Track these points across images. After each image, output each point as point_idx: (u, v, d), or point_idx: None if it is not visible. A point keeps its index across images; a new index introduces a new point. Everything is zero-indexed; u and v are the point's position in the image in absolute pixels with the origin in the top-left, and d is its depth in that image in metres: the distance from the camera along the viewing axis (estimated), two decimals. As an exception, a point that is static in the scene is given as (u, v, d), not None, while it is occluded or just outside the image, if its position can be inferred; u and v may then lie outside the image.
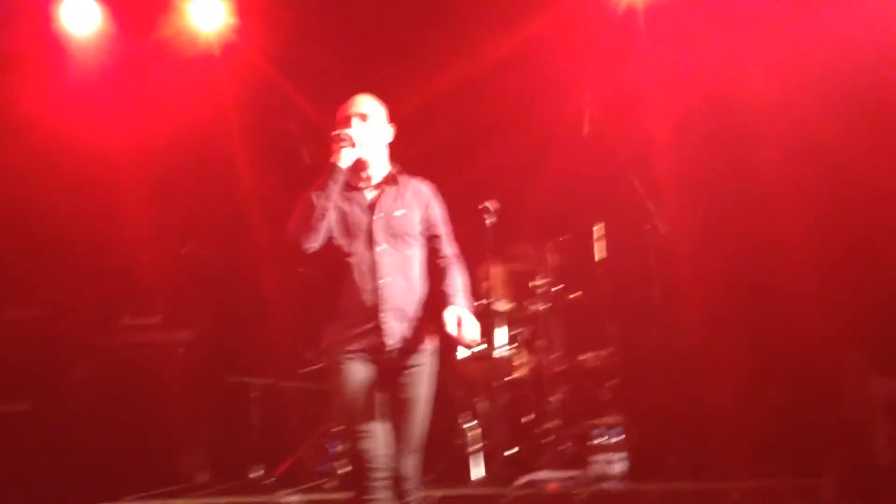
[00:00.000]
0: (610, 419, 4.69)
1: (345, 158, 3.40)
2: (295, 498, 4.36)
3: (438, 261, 3.55)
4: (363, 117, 3.53)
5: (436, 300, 3.47)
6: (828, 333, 4.88)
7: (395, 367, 3.39)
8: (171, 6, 5.51)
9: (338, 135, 3.43)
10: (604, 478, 4.40)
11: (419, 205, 3.57)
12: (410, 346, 3.42)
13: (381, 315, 3.38)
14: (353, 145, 3.42)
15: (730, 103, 5.43)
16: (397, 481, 3.30)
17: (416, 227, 3.53)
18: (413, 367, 3.40)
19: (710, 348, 5.13)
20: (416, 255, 3.52)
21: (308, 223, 3.36)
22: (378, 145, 3.55)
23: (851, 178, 5.02)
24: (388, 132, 3.60)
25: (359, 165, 3.50)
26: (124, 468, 5.00)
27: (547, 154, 5.59)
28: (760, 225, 5.39)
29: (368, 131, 3.51)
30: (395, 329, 3.38)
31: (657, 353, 5.13)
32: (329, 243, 3.42)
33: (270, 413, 5.42)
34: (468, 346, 3.72)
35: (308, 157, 5.93)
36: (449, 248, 3.60)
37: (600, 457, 4.43)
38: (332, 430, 4.95)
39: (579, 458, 4.66)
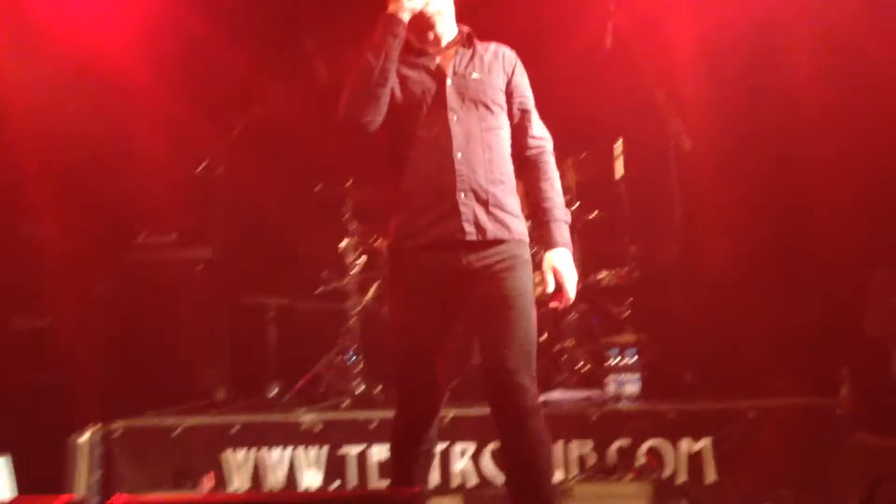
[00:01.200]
0: (626, 338, 4.65)
1: (404, 6, 2.86)
2: (312, 415, 4.38)
3: (528, 145, 3.04)
4: None
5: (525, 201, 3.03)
6: (854, 251, 4.78)
7: (479, 271, 2.85)
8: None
9: None
10: (619, 397, 4.38)
11: (503, 70, 3.02)
12: (495, 238, 2.88)
13: (458, 195, 2.85)
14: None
15: (761, 14, 5.22)
16: (503, 375, 2.80)
17: (498, 94, 2.99)
18: (503, 260, 2.87)
19: (731, 266, 5.05)
20: (501, 126, 2.99)
21: (367, 90, 2.84)
22: None
23: (885, 93, 4.83)
24: None
25: (421, 21, 2.95)
26: (144, 385, 5.05)
27: (566, 66, 5.41)
28: (787, 141, 5.24)
29: None
30: (475, 214, 2.85)
31: (676, 271, 5.05)
32: (391, 117, 2.91)
33: (288, 333, 5.43)
34: (562, 307, 3.06)
35: (324, 72, 5.79)
36: (540, 128, 3.09)
37: (616, 376, 4.41)
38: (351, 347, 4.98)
39: (595, 377, 4.65)
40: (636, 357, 4.45)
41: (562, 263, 2.95)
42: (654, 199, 5.08)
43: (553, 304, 3.03)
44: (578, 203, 5.08)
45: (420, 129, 2.90)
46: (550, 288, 2.96)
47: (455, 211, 2.85)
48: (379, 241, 5.11)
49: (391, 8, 2.87)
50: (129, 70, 5.66)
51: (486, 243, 2.87)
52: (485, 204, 2.87)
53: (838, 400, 3.97)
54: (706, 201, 5.13)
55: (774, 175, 5.25)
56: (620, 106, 5.27)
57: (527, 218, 3.05)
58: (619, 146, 5.08)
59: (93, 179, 5.71)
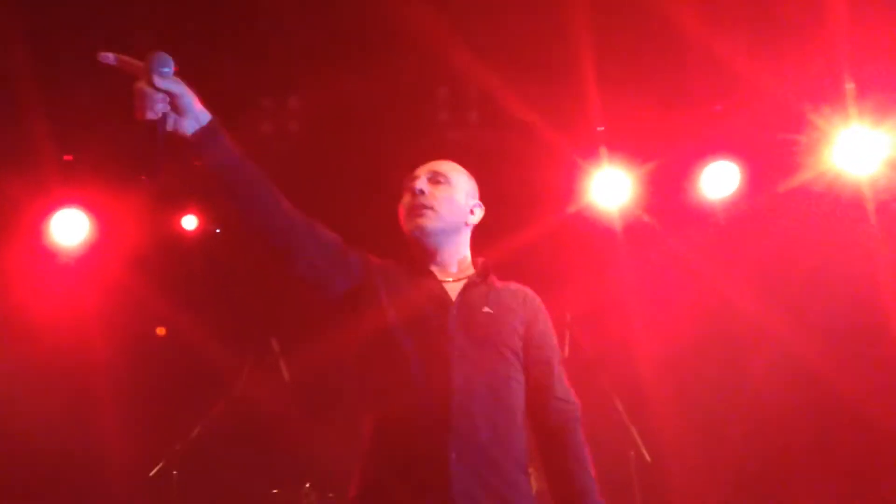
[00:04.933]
0: None
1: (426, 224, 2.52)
2: None
3: (550, 408, 2.46)
4: (436, 176, 2.61)
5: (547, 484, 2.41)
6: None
7: None
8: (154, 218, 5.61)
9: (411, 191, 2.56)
10: None
11: (522, 313, 2.51)
12: None
13: (450, 455, 2.22)
14: (420, 211, 2.54)
15: (716, 319, 5.38)
16: None
17: (513, 338, 2.45)
18: None
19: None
20: (514, 377, 2.42)
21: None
22: (453, 219, 2.60)
23: (839, 400, 4.87)
24: (472, 210, 2.66)
25: (424, 242, 2.57)
26: None
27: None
28: (758, 448, 5.18)
29: (440, 195, 2.58)
30: (469, 486, 2.22)
31: None
32: (373, 338, 2.41)
33: None
34: None
35: (287, 373, 5.81)
36: (564, 389, 2.51)
37: None
38: None
39: None
40: None
41: None
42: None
43: None
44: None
45: (411, 364, 2.33)
46: None
47: (443, 477, 2.22)
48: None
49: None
50: (94, 361, 5.68)
51: None
52: (485, 473, 2.26)
53: None
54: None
55: (745, 486, 5.12)
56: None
57: None
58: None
59: (44, 470, 5.50)
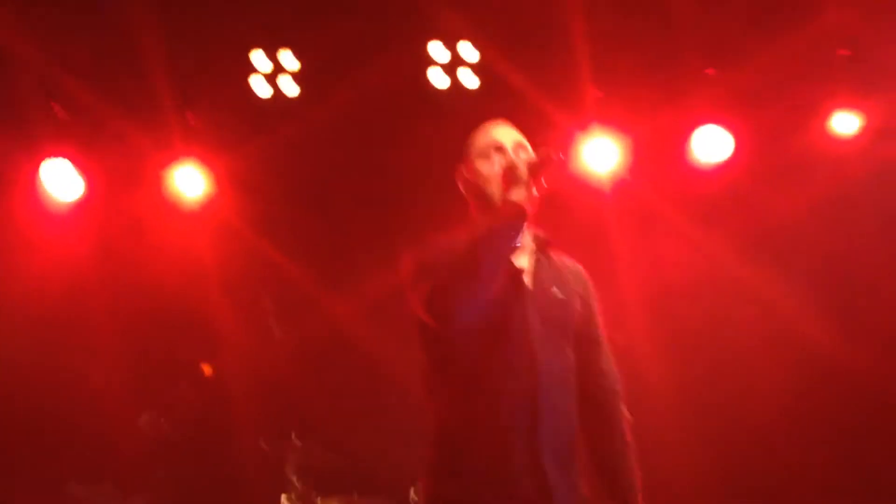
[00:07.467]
0: None
1: (524, 199, 2.24)
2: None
3: (592, 382, 2.40)
4: (521, 148, 2.41)
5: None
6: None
7: None
8: (151, 174, 5.57)
9: (514, 166, 2.26)
10: None
11: (580, 293, 2.44)
12: None
13: (544, 464, 2.16)
14: (527, 185, 2.24)
15: (705, 285, 5.37)
16: None
17: (576, 321, 2.38)
18: None
19: None
20: (574, 361, 2.37)
21: (475, 276, 2.11)
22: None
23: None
24: None
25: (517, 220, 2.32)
26: None
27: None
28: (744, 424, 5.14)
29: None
30: (559, 488, 2.18)
31: None
32: (453, 338, 2.23)
33: None
34: None
35: (279, 331, 5.85)
36: (609, 362, 2.46)
37: None
38: None
39: None
40: None
41: None
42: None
43: None
44: None
45: (493, 360, 2.21)
46: None
47: (542, 486, 2.17)
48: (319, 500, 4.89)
49: (519, 196, 2.22)
50: (84, 313, 5.70)
51: None
52: (566, 473, 2.24)
53: None
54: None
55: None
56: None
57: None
58: None
59: (26, 421, 5.56)
